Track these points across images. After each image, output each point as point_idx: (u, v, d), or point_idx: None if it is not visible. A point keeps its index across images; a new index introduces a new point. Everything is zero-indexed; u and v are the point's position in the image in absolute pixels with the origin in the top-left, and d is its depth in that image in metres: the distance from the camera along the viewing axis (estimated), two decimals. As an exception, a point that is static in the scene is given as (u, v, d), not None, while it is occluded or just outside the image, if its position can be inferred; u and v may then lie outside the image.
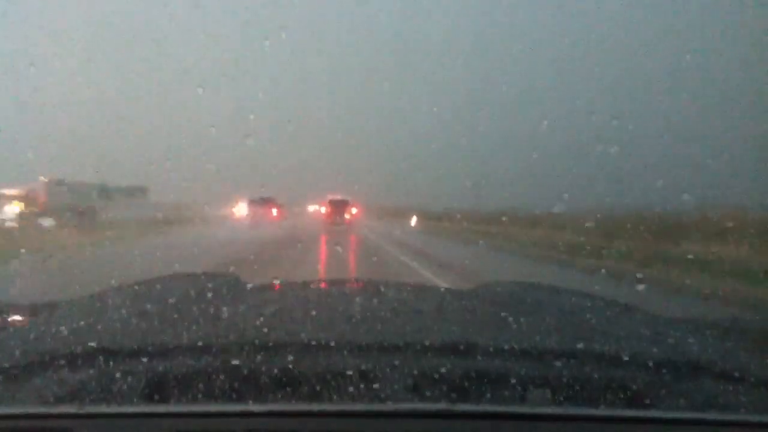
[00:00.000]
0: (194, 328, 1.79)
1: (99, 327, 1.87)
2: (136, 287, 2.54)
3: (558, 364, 1.55)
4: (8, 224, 23.66)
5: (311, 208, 37.52)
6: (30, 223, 23.59)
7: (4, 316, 2.02)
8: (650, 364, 1.58)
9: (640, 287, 5.77)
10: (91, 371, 1.51)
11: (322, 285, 3.11)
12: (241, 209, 32.60)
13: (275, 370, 1.50)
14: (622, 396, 1.45)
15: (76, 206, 25.36)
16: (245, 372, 1.48)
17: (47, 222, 23.75)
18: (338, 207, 28.38)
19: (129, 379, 1.47)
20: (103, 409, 1.35)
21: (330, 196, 28.49)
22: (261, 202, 27.34)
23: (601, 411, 1.38)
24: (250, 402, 1.37)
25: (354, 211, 29.23)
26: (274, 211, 27.88)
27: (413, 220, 34.67)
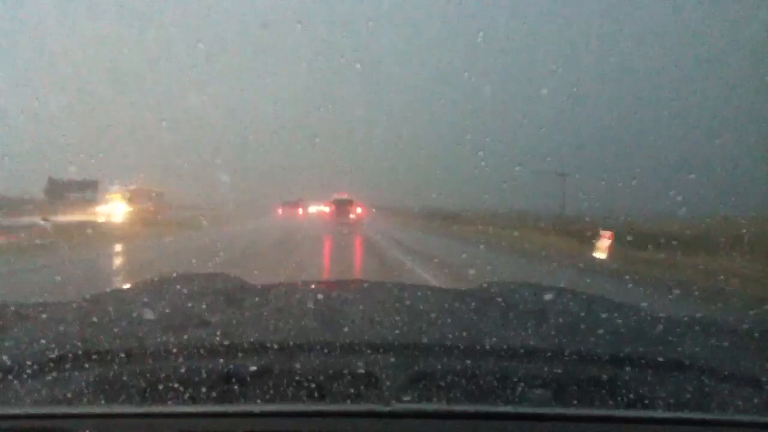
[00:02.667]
0: (195, 329, 1.79)
1: (100, 328, 1.87)
2: (138, 288, 2.54)
3: (558, 364, 1.55)
4: None
5: (313, 209, 35.93)
6: None
7: (5, 316, 2.02)
8: (650, 364, 1.58)
9: None
10: (91, 371, 1.51)
11: (323, 286, 3.11)
12: (115, 206, 24.32)
13: (275, 371, 1.50)
14: (622, 396, 1.45)
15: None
16: (245, 372, 1.49)
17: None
18: (343, 207, 28.51)
19: (129, 379, 1.47)
20: (103, 409, 1.35)
21: (336, 196, 28.55)
22: (290, 204, 34.90)
23: (601, 411, 1.39)
24: (250, 402, 1.38)
25: (359, 210, 29.16)
26: (300, 211, 35.25)
27: (602, 248, 13.82)
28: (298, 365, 1.52)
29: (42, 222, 16.71)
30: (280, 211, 35.31)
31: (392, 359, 1.55)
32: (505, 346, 1.66)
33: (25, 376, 1.49)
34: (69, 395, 1.42)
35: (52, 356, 1.56)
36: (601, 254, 13.63)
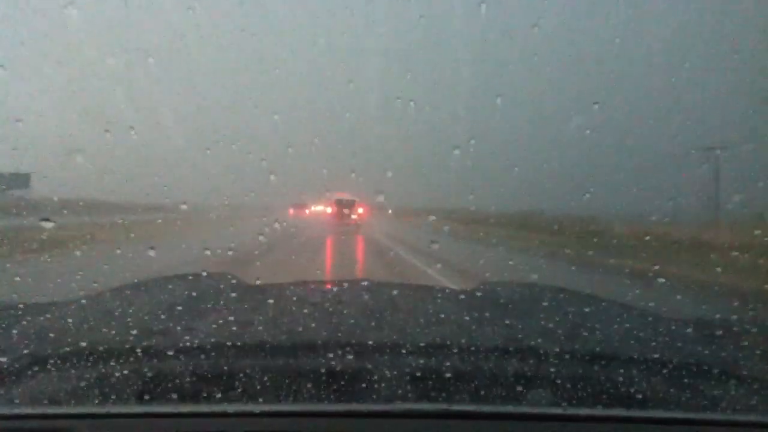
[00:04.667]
0: (194, 328, 1.79)
1: (99, 327, 1.87)
2: (137, 288, 2.54)
3: (558, 364, 1.55)
4: None
5: (308, 211, 36.41)
6: None
7: (5, 315, 2.02)
8: (650, 364, 1.58)
9: None
10: (91, 371, 1.51)
11: (322, 285, 3.11)
12: None
13: (275, 370, 1.50)
14: (622, 396, 1.45)
15: None
16: (245, 372, 1.49)
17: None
18: (344, 207, 28.40)
19: (129, 379, 1.47)
20: (103, 409, 1.35)
21: (337, 196, 28.39)
22: (298, 205, 37.31)
23: (601, 411, 1.38)
24: (250, 402, 1.38)
25: (361, 211, 29.00)
26: (306, 211, 38.14)
27: None
28: (298, 365, 1.52)
29: None
30: (291, 211, 38.38)
31: (392, 359, 1.55)
32: (504, 346, 1.66)
33: (26, 375, 1.49)
34: (69, 395, 1.42)
35: (52, 356, 1.56)
36: None
